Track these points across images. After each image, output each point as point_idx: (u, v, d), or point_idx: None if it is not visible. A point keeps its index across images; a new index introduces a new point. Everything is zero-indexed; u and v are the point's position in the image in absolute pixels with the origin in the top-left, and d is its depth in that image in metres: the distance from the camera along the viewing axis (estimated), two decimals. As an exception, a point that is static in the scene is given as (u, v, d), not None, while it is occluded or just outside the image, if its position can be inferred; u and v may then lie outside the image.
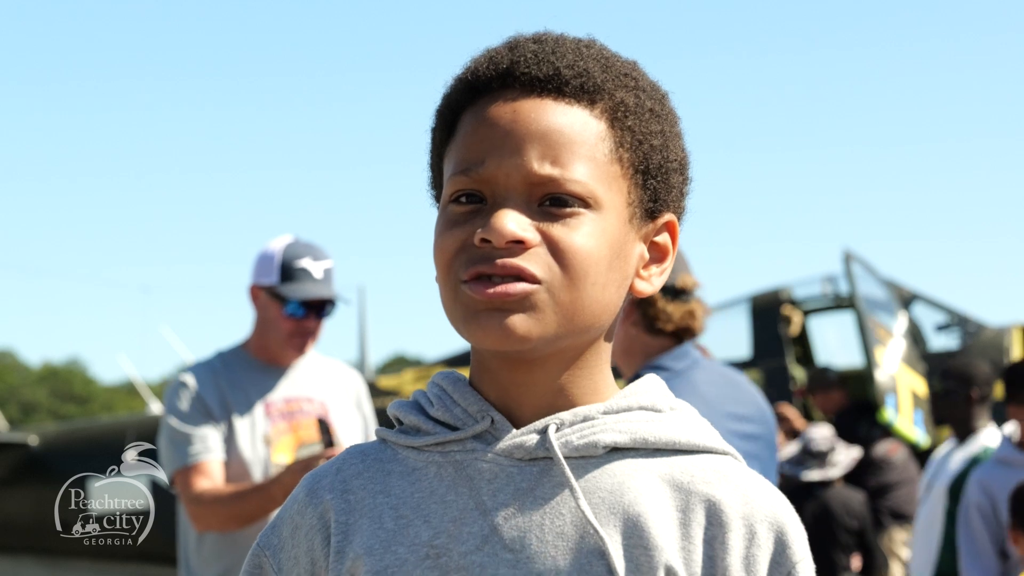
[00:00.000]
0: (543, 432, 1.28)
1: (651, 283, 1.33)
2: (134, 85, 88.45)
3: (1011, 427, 5.34)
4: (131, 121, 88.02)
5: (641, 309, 3.89)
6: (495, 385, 1.31)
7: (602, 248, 1.26)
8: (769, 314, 9.53)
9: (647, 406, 1.32)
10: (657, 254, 1.34)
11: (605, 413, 1.30)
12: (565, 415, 1.29)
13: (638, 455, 1.29)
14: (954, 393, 5.75)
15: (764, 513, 1.28)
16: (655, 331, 3.91)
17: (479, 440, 1.29)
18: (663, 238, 1.34)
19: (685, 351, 3.96)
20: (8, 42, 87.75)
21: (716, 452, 1.31)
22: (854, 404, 9.09)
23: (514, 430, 1.29)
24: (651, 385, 1.35)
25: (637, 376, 3.78)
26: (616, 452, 1.29)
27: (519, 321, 1.24)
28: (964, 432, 5.72)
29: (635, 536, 1.24)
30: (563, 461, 1.26)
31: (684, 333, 3.93)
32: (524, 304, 1.24)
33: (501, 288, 1.23)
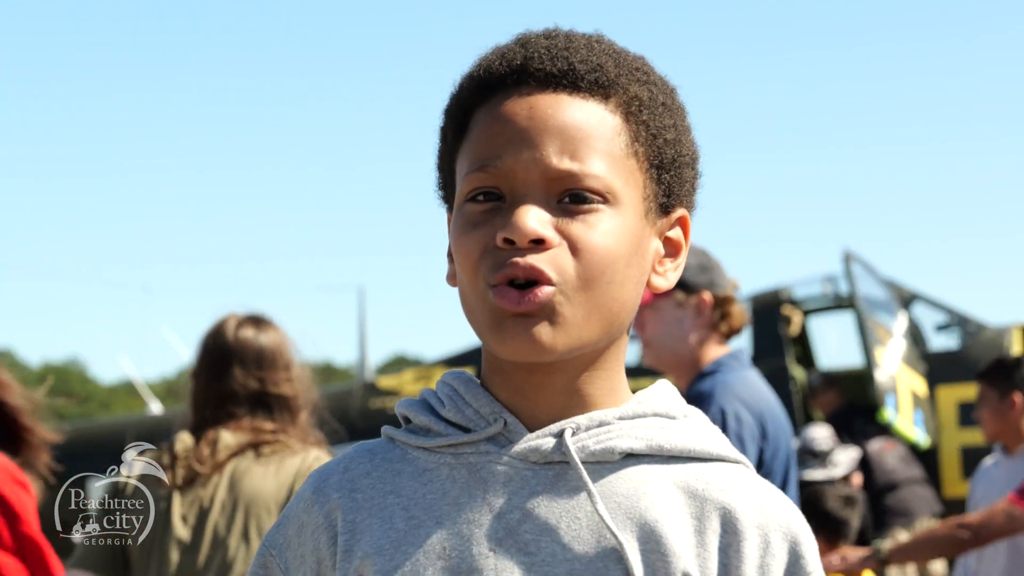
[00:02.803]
0: (559, 436, 1.27)
1: (667, 278, 1.33)
2: (134, 85, 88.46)
3: None
4: (131, 121, 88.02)
5: (720, 310, 3.82)
6: (508, 386, 1.30)
7: (621, 245, 1.26)
8: (769, 314, 9.51)
9: (662, 412, 1.32)
10: (671, 249, 1.34)
11: (620, 419, 1.29)
12: (581, 419, 1.28)
13: (653, 461, 1.29)
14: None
15: (779, 523, 1.28)
16: (730, 332, 3.87)
17: (492, 442, 1.29)
18: (676, 233, 1.34)
19: (741, 349, 3.93)
20: (8, 42, 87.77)
21: (729, 460, 1.31)
22: (848, 404, 9.09)
23: (527, 433, 1.28)
24: (665, 391, 1.35)
25: (701, 376, 3.76)
26: (631, 458, 1.28)
27: (544, 332, 1.23)
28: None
29: (652, 541, 1.24)
30: (580, 465, 1.25)
31: (738, 332, 3.91)
32: (548, 312, 1.23)
33: (528, 298, 1.23)
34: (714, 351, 3.79)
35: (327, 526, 1.29)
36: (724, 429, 3.59)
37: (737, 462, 1.32)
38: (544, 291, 1.23)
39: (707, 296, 3.76)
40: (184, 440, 3.47)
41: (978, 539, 4.73)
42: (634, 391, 1.35)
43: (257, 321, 3.58)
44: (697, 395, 3.67)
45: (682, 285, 3.69)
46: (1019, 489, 4.74)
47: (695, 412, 1.34)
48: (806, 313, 10.08)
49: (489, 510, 1.26)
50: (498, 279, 1.24)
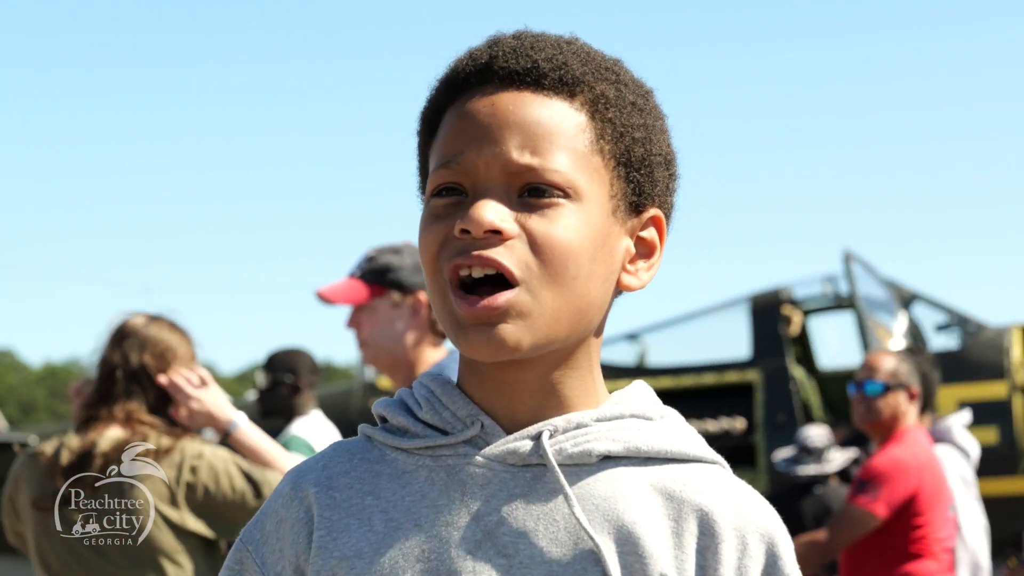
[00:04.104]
0: (536, 438, 1.27)
1: (638, 278, 1.33)
2: (134, 85, 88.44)
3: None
4: (132, 121, 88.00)
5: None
6: (483, 386, 1.30)
7: (583, 240, 1.26)
8: (769, 314, 9.51)
9: (639, 414, 1.31)
10: (644, 249, 1.33)
11: (598, 420, 1.29)
12: (558, 421, 1.28)
13: (630, 463, 1.29)
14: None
15: (756, 524, 1.28)
16: (440, 331, 3.87)
17: (470, 445, 1.29)
18: (649, 233, 1.33)
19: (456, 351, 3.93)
20: (8, 42, 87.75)
21: (706, 461, 1.31)
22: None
23: (505, 435, 1.28)
24: (641, 392, 1.35)
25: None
26: (608, 460, 1.28)
27: (508, 332, 1.24)
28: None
29: (629, 544, 1.24)
30: (557, 468, 1.25)
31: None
32: (510, 312, 1.23)
33: (485, 303, 1.23)
34: (431, 353, 3.84)
35: (306, 520, 1.29)
36: None
37: (714, 463, 1.32)
38: (504, 297, 1.23)
39: (423, 296, 3.80)
40: (70, 446, 3.40)
41: (830, 549, 4.80)
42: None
43: (154, 318, 3.60)
44: None
45: (398, 285, 3.78)
46: (853, 488, 4.79)
47: (671, 413, 1.34)
48: (806, 313, 10.08)
49: (467, 512, 1.26)
50: (451, 271, 1.25)
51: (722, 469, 1.32)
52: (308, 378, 5.83)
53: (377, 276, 3.82)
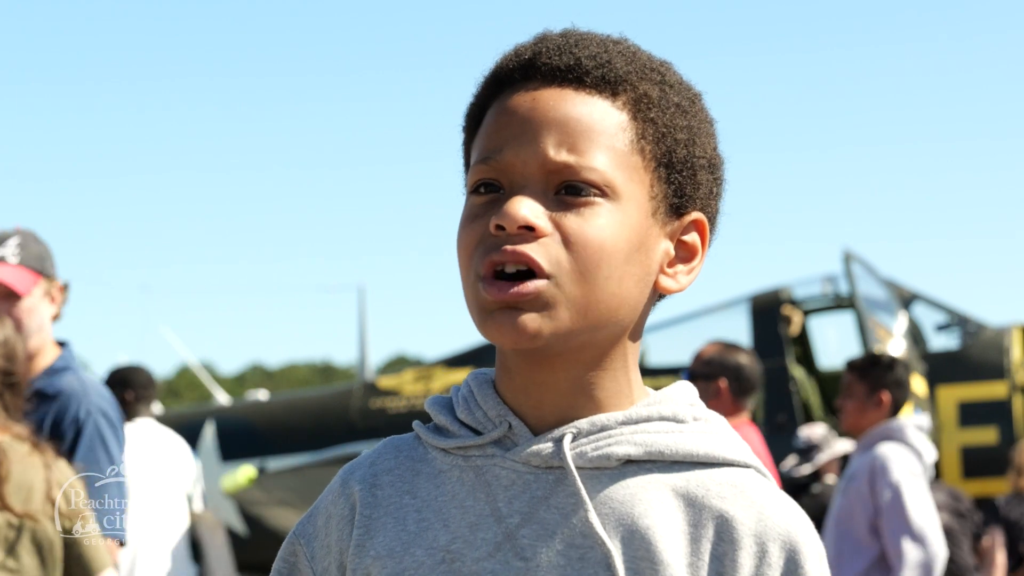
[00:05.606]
0: (559, 441, 1.27)
1: (677, 281, 1.32)
2: (134, 85, 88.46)
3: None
4: (131, 121, 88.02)
5: (65, 292, 3.78)
6: (513, 385, 1.30)
7: (618, 240, 1.25)
8: (769, 314, 9.51)
9: (668, 416, 1.30)
10: (685, 253, 1.32)
11: (623, 423, 1.28)
12: (582, 423, 1.28)
13: (654, 468, 1.28)
14: None
15: (778, 531, 1.25)
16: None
17: (498, 445, 1.29)
18: (691, 237, 1.32)
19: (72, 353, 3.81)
20: (8, 42, 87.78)
21: (737, 465, 1.29)
22: None
23: (531, 436, 1.28)
24: (678, 393, 1.33)
25: (55, 371, 3.64)
26: (632, 464, 1.27)
27: (531, 319, 1.23)
28: None
29: (642, 549, 1.23)
30: (575, 472, 1.25)
31: (56, 317, 3.81)
32: (536, 302, 1.23)
33: (514, 291, 1.23)
34: (49, 345, 3.75)
35: (351, 518, 1.31)
36: (100, 429, 3.56)
37: (746, 466, 1.29)
38: (534, 284, 1.23)
39: (57, 283, 3.74)
40: None
41: None
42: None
43: None
44: (58, 393, 3.60)
45: (48, 273, 3.71)
46: None
47: (709, 416, 1.32)
48: (806, 313, 10.08)
49: (491, 514, 1.26)
50: (485, 267, 1.24)
51: (755, 473, 1.29)
52: (140, 391, 6.76)
53: (37, 264, 3.71)
